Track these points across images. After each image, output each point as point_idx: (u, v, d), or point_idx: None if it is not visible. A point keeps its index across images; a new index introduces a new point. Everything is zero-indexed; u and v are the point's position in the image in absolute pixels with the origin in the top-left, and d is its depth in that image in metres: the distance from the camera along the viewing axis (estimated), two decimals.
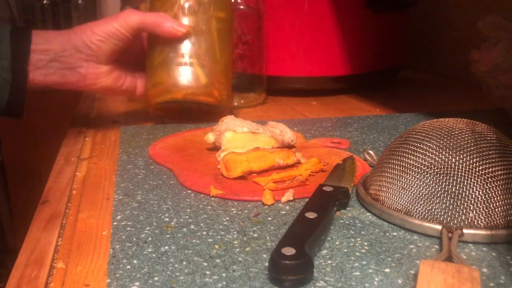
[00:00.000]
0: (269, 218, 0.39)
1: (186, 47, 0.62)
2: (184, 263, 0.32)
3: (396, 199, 0.37)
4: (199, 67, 0.62)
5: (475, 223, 0.35)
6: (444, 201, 0.35)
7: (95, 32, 0.59)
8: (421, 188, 0.36)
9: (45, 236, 0.37)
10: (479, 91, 0.73)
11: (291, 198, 0.41)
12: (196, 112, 0.67)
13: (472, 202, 0.35)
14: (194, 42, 0.62)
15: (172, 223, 0.38)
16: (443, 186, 0.35)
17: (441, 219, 0.35)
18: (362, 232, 0.36)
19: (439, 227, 0.35)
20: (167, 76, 0.62)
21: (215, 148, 0.53)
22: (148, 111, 0.66)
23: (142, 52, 0.66)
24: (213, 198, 0.42)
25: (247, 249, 0.34)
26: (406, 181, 0.37)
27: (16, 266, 0.33)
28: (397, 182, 0.38)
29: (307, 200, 0.38)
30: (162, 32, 0.61)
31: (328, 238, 0.35)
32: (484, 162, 0.35)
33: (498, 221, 0.35)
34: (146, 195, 0.43)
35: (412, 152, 0.37)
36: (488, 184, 0.35)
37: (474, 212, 0.35)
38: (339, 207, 0.40)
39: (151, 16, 0.61)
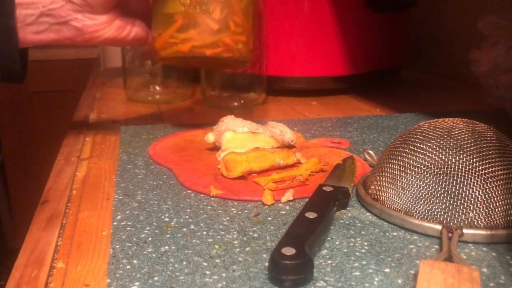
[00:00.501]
0: (269, 218, 0.39)
1: None
2: (184, 263, 0.32)
3: (396, 199, 0.37)
4: (207, 12, 0.52)
5: (475, 223, 0.35)
6: (444, 201, 0.35)
7: None
8: (421, 188, 0.36)
9: (45, 236, 0.37)
10: (479, 91, 0.73)
11: (291, 198, 0.41)
12: (214, 63, 0.61)
13: (472, 202, 0.35)
14: None
15: (172, 223, 0.38)
16: (443, 186, 0.35)
17: (441, 219, 0.35)
18: (362, 232, 0.36)
19: (439, 227, 0.35)
20: (169, 24, 0.54)
21: (215, 148, 0.53)
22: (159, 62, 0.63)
23: None
24: (213, 198, 0.42)
25: (247, 249, 0.34)
26: (406, 181, 0.37)
27: (16, 266, 0.33)
28: (397, 182, 0.38)
29: (307, 200, 0.38)
30: None
31: (328, 238, 0.35)
32: (484, 162, 0.35)
33: (498, 221, 0.35)
34: (146, 195, 0.43)
35: (412, 152, 0.37)
36: (488, 184, 0.35)
37: (474, 212, 0.35)
38: (339, 207, 0.40)
39: None
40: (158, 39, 0.55)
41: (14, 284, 0.31)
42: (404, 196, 0.37)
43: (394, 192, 0.38)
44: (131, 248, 0.34)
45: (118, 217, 0.39)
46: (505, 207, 0.35)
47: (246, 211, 0.40)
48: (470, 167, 0.35)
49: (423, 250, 0.34)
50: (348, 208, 0.40)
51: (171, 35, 0.53)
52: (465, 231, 0.34)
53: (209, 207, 0.40)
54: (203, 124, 0.66)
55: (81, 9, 0.53)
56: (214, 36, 0.53)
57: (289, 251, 0.30)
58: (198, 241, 0.35)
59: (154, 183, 0.46)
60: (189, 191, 0.44)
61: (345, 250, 0.34)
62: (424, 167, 0.36)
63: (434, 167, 0.36)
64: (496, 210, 0.35)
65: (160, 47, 0.55)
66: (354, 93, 0.87)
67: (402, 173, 0.38)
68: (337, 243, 0.35)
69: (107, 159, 0.53)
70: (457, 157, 0.36)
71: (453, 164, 0.36)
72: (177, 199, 0.42)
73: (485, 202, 0.35)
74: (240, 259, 0.33)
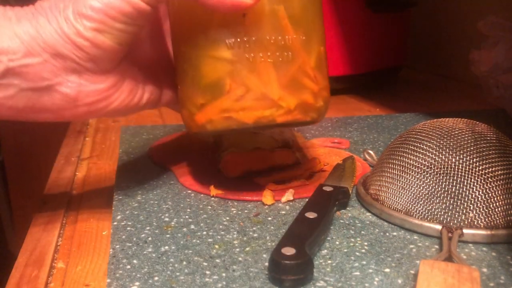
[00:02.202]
0: (269, 218, 0.39)
1: (250, 30, 0.36)
2: (184, 263, 0.32)
3: (396, 199, 0.37)
4: (277, 64, 0.36)
5: (475, 223, 0.35)
6: (444, 201, 0.35)
7: (84, 14, 0.32)
8: (421, 188, 0.36)
9: (45, 236, 0.37)
10: (479, 91, 0.73)
11: (291, 198, 0.41)
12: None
13: (472, 202, 0.35)
14: (263, 20, 0.36)
15: (172, 223, 0.38)
16: (443, 186, 0.35)
17: (441, 219, 0.35)
18: (362, 232, 0.36)
19: (439, 227, 0.35)
20: (222, 89, 0.36)
21: (215, 148, 0.53)
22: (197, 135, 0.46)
23: (157, 36, 0.42)
24: (213, 198, 0.42)
25: (247, 249, 0.34)
26: (406, 181, 0.37)
27: (16, 266, 0.33)
28: (397, 182, 0.38)
29: (307, 200, 0.38)
30: (215, 1, 0.33)
31: (328, 238, 0.35)
32: (484, 162, 0.35)
33: (498, 221, 0.35)
34: (146, 195, 0.43)
35: (412, 152, 0.37)
36: (488, 184, 0.35)
37: (474, 212, 0.35)
38: (339, 207, 0.40)
39: None
40: (199, 112, 0.38)
41: (14, 284, 0.31)
42: (404, 196, 0.37)
43: (394, 192, 0.38)
44: (131, 248, 0.34)
45: (118, 217, 0.39)
46: (505, 207, 0.35)
47: (246, 211, 0.40)
48: (470, 167, 0.35)
49: (423, 250, 0.34)
50: (348, 208, 0.40)
51: (223, 106, 0.37)
52: (465, 231, 0.34)
53: (209, 207, 0.40)
54: None
55: (77, 67, 0.34)
56: (291, 99, 0.37)
57: (289, 251, 0.30)
58: (198, 241, 0.35)
59: (154, 183, 0.46)
60: (189, 191, 0.44)
61: (345, 250, 0.34)
62: (424, 167, 0.36)
63: (434, 167, 0.36)
64: (496, 210, 0.35)
65: (206, 121, 0.38)
66: (354, 93, 0.87)
67: (402, 173, 0.38)
68: (337, 243, 0.35)
69: (107, 159, 0.53)
70: (457, 157, 0.36)
71: (453, 164, 0.36)
72: (177, 199, 0.42)
73: (485, 202, 0.35)
74: (240, 259, 0.33)
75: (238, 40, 0.35)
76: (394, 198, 0.38)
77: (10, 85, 0.32)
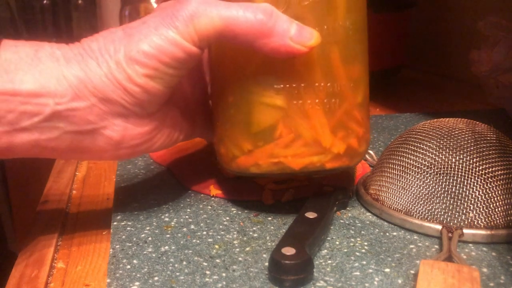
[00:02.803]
0: (269, 218, 0.38)
1: (301, 75, 0.34)
2: (184, 263, 0.32)
3: (396, 199, 0.37)
4: (326, 109, 0.35)
5: (475, 223, 0.35)
6: (444, 201, 0.35)
7: (136, 59, 0.31)
8: (421, 188, 0.36)
9: (45, 236, 0.37)
10: (479, 91, 0.73)
11: (291, 198, 0.41)
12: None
13: (472, 202, 0.35)
14: (315, 65, 0.35)
15: (172, 223, 0.38)
16: (443, 186, 0.35)
17: (441, 219, 0.35)
18: (362, 232, 0.36)
19: (439, 227, 0.35)
20: (272, 135, 0.35)
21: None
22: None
23: (195, 76, 0.40)
24: (213, 198, 0.42)
25: (247, 249, 0.34)
26: (406, 181, 0.37)
27: (16, 265, 0.33)
28: (397, 182, 0.38)
29: (307, 200, 0.38)
30: (271, 47, 0.32)
31: (328, 238, 0.35)
32: (484, 162, 0.35)
33: (498, 221, 0.35)
34: (146, 195, 0.43)
35: (412, 152, 0.37)
36: (488, 184, 0.35)
37: (474, 212, 0.35)
38: (339, 207, 0.40)
39: (245, 14, 0.32)
40: (245, 156, 0.36)
41: (14, 284, 0.31)
42: (404, 196, 0.37)
43: (394, 192, 0.38)
44: (131, 248, 0.34)
45: (118, 217, 0.39)
46: (505, 207, 0.35)
47: (246, 211, 0.40)
48: (470, 167, 0.35)
49: (423, 250, 0.34)
50: (348, 208, 0.40)
51: (272, 152, 0.35)
52: (465, 231, 0.34)
53: (209, 207, 0.40)
54: None
55: (124, 111, 0.33)
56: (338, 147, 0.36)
57: (289, 251, 0.30)
58: (198, 241, 0.35)
59: (154, 183, 0.46)
60: (189, 191, 0.44)
61: (345, 250, 0.34)
62: (424, 167, 0.36)
63: (434, 167, 0.36)
64: (496, 210, 0.35)
65: (251, 165, 0.36)
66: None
67: (402, 173, 0.38)
68: (337, 243, 0.35)
69: None
70: (457, 157, 0.36)
71: (453, 164, 0.36)
72: (177, 199, 0.42)
73: (485, 202, 0.35)
74: (240, 259, 0.33)
75: (287, 86, 0.34)
76: (394, 198, 0.38)
77: (55, 128, 0.31)
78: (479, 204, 0.35)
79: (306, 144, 0.35)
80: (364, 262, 0.32)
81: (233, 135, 0.37)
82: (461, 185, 0.35)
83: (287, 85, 0.34)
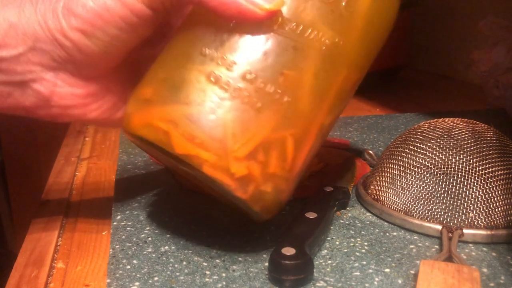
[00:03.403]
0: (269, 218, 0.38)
1: (247, 54, 0.29)
2: (184, 263, 0.32)
3: (396, 199, 0.37)
4: (251, 109, 0.29)
5: (475, 223, 0.35)
6: (444, 201, 0.35)
7: (73, 11, 0.29)
8: (421, 188, 0.36)
9: (45, 236, 0.37)
10: (479, 91, 0.73)
11: (291, 198, 0.41)
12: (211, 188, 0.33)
13: (472, 202, 0.35)
14: (270, 50, 0.29)
15: (172, 223, 0.38)
16: (443, 186, 0.35)
17: (441, 219, 0.35)
18: (362, 232, 0.36)
19: (439, 227, 0.35)
20: (177, 90, 0.29)
21: None
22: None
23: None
24: (213, 198, 0.42)
25: (247, 249, 0.34)
26: (406, 181, 0.37)
27: (16, 266, 0.33)
28: (397, 182, 0.38)
29: (307, 200, 0.38)
30: (218, 1, 0.28)
31: (328, 238, 0.35)
32: (484, 162, 0.35)
33: (498, 221, 0.35)
34: (146, 195, 0.43)
35: (412, 152, 0.37)
36: (488, 184, 0.35)
37: (474, 212, 0.35)
38: (339, 207, 0.40)
39: None
40: (139, 111, 0.31)
41: (14, 284, 0.31)
42: (404, 196, 0.37)
43: (394, 192, 0.38)
44: (131, 248, 0.34)
45: (118, 217, 0.39)
46: (505, 207, 0.35)
47: None
48: (470, 167, 0.35)
49: (423, 250, 0.34)
50: (348, 208, 0.40)
51: (169, 114, 0.29)
52: (465, 231, 0.34)
53: (209, 207, 0.40)
54: None
55: (55, 65, 0.30)
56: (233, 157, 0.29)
57: (289, 251, 0.30)
58: (198, 241, 0.35)
59: (154, 183, 0.46)
60: (189, 191, 0.44)
61: (345, 250, 0.34)
62: (424, 167, 0.36)
63: (434, 167, 0.36)
64: (496, 210, 0.35)
65: (142, 125, 0.30)
66: (354, 93, 0.87)
67: (402, 173, 0.37)
68: (337, 243, 0.35)
69: (107, 159, 0.53)
70: (457, 157, 0.36)
71: (453, 164, 0.36)
72: (177, 199, 0.42)
73: (485, 202, 0.35)
74: (240, 259, 0.33)
75: (221, 56, 0.29)
76: (394, 198, 0.38)
77: None
78: (479, 204, 0.35)
79: (206, 134, 0.29)
80: (364, 262, 0.32)
81: (139, 85, 0.32)
82: (461, 185, 0.35)
83: (222, 56, 0.29)
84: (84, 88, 0.32)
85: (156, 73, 0.31)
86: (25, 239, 0.37)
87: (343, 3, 0.30)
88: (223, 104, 0.28)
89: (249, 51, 0.29)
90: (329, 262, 0.32)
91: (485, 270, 0.31)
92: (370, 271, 0.31)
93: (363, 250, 0.34)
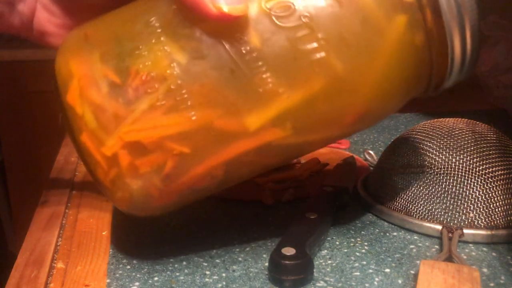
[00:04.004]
0: (269, 218, 0.38)
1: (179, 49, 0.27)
2: (184, 263, 0.32)
3: (396, 199, 0.37)
4: (161, 107, 0.27)
5: (475, 223, 0.35)
6: (444, 201, 0.35)
7: None
8: (421, 188, 0.36)
9: (45, 236, 0.36)
10: (479, 91, 0.73)
11: (291, 198, 0.41)
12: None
13: (472, 202, 0.35)
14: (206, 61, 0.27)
15: (172, 223, 0.38)
16: (443, 186, 0.35)
17: (441, 219, 0.35)
18: (362, 232, 0.36)
19: (439, 227, 0.35)
20: (107, 52, 0.28)
21: None
22: None
23: None
24: (213, 198, 0.42)
25: (247, 249, 0.34)
26: (406, 181, 0.37)
27: (16, 266, 0.33)
28: (397, 182, 0.38)
29: (307, 200, 0.38)
30: None
31: (328, 238, 0.35)
32: (484, 162, 0.35)
33: (498, 221, 0.35)
34: None
35: (412, 152, 0.37)
36: (488, 184, 0.35)
37: (474, 212, 0.35)
38: (339, 207, 0.40)
39: None
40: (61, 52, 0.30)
41: (14, 284, 0.31)
42: (404, 196, 0.37)
43: (394, 192, 0.38)
44: (131, 248, 0.34)
45: (118, 217, 0.39)
46: (505, 207, 0.35)
47: (246, 211, 0.40)
48: (470, 167, 0.35)
49: (423, 250, 0.34)
50: (348, 208, 0.40)
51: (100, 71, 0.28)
52: (465, 231, 0.34)
53: (209, 207, 0.40)
54: None
55: None
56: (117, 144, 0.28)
57: (289, 251, 0.30)
58: (198, 241, 0.35)
59: None
60: None
61: (345, 250, 0.34)
62: (424, 167, 0.36)
63: (434, 167, 0.36)
64: (496, 210, 0.35)
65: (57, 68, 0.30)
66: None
67: (402, 173, 0.37)
68: (337, 243, 0.35)
69: None
70: (458, 157, 0.36)
71: (453, 164, 0.36)
72: None
73: (485, 202, 0.35)
74: (240, 259, 0.33)
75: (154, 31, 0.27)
76: (394, 198, 0.38)
77: None
78: (479, 204, 0.35)
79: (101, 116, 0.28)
80: (364, 262, 0.32)
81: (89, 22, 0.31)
82: (461, 185, 0.35)
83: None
84: (61, 18, 0.34)
85: (105, 22, 0.30)
86: (25, 239, 0.37)
87: (310, 58, 0.26)
88: (138, 92, 0.27)
89: (185, 48, 0.27)
90: (329, 262, 0.32)
91: (485, 270, 0.31)
92: (370, 271, 0.31)
93: (363, 250, 0.34)
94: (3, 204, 1.64)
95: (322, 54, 0.26)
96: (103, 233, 0.37)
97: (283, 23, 0.26)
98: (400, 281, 0.30)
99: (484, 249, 0.34)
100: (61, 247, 0.35)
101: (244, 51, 0.26)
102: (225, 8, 0.25)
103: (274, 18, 0.26)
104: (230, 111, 0.27)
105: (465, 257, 0.33)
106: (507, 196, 0.35)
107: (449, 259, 0.31)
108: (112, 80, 0.27)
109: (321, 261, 0.32)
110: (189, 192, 0.30)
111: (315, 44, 0.26)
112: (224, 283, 0.30)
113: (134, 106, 0.27)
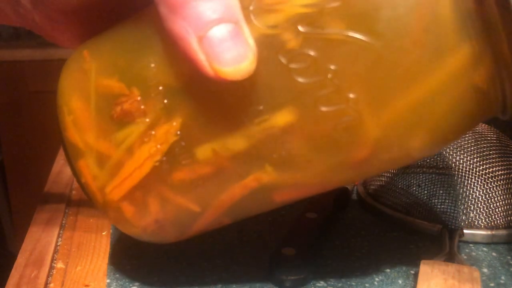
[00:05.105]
0: (269, 219, 0.38)
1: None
2: (184, 263, 0.32)
3: (396, 199, 0.37)
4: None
5: (476, 223, 0.35)
6: (444, 201, 0.35)
7: None
8: (421, 188, 0.36)
9: (44, 236, 0.36)
10: None
11: None
12: None
13: (473, 202, 0.35)
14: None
15: None
16: (443, 186, 0.35)
17: (441, 219, 0.35)
18: (362, 232, 0.36)
19: (439, 227, 0.35)
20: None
21: None
22: None
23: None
24: None
25: (247, 249, 0.34)
26: (406, 181, 0.37)
27: (16, 266, 0.33)
28: (397, 182, 0.38)
29: (307, 200, 0.38)
30: (169, 27, 0.20)
31: (328, 238, 0.35)
32: (484, 162, 0.35)
33: (498, 221, 0.35)
34: None
35: None
36: (489, 184, 0.35)
37: (475, 212, 0.35)
38: (339, 207, 0.40)
39: None
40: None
41: (14, 285, 0.31)
42: (404, 196, 0.37)
43: (394, 192, 0.38)
44: (131, 248, 0.34)
45: None
46: (505, 207, 0.35)
47: None
48: (471, 167, 0.35)
49: (423, 250, 0.34)
50: (348, 208, 0.40)
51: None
52: (465, 231, 0.34)
53: None
54: None
55: None
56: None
57: (289, 251, 0.30)
58: (198, 241, 0.35)
59: None
60: None
61: (345, 250, 0.34)
62: (424, 167, 0.36)
63: (434, 167, 0.36)
64: (497, 210, 0.35)
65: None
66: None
67: (402, 173, 0.37)
68: (337, 243, 0.35)
69: None
70: (458, 157, 0.36)
71: (453, 164, 0.36)
72: None
73: (486, 202, 0.35)
74: (240, 259, 0.33)
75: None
76: (394, 198, 0.38)
77: None
78: (479, 204, 0.35)
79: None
80: (365, 262, 0.32)
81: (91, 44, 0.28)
82: (461, 185, 0.35)
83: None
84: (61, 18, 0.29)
85: (105, 45, 0.27)
86: (24, 239, 0.37)
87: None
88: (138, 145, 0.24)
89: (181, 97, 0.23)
90: (329, 262, 0.32)
91: (485, 270, 0.31)
92: (370, 271, 0.31)
93: (363, 250, 0.34)
94: (3, 204, 1.64)
95: (351, 118, 0.21)
96: (103, 233, 0.37)
97: (302, 78, 0.21)
98: (400, 281, 0.30)
99: (484, 249, 0.34)
100: (61, 247, 0.35)
101: (255, 116, 0.22)
102: (224, 70, 0.20)
103: (292, 74, 0.21)
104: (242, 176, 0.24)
105: (465, 257, 0.33)
106: (507, 196, 0.35)
107: (449, 259, 0.31)
108: (113, 131, 0.25)
109: (321, 261, 0.32)
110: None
111: (342, 106, 0.21)
112: (224, 283, 0.30)
113: (134, 163, 0.24)
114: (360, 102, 0.21)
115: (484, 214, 0.35)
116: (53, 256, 0.34)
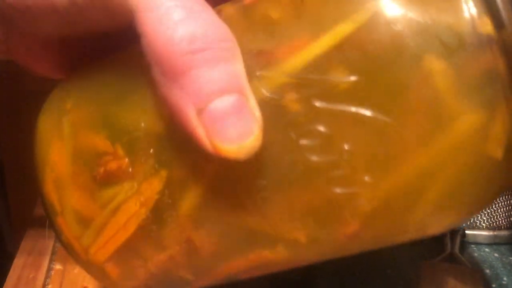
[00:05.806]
0: None
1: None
2: None
3: None
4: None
5: (478, 223, 0.34)
6: None
7: None
8: None
9: (43, 237, 0.36)
10: None
11: None
12: None
13: None
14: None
15: None
16: None
17: None
18: None
19: None
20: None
21: None
22: None
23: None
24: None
25: None
26: None
27: (14, 267, 0.33)
28: None
29: None
30: (165, 94, 0.18)
31: None
32: None
33: (500, 222, 0.34)
34: None
35: None
36: None
37: None
38: None
39: (167, 18, 0.17)
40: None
41: (12, 286, 0.31)
42: None
43: None
44: None
45: None
46: (507, 207, 0.35)
47: None
48: None
49: (425, 251, 0.34)
50: None
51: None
52: (467, 231, 0.34)
53: None
54: None
55: None
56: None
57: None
58: None
59: None
60: None
61: None
62: None
63: None
64: (499, 211, 0.34)
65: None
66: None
67: None
68: None
69: None
70: None
71: None
72: None
73: None
74: None
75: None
76: None
77: None
78: None
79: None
80: (365, 263, 0.32)
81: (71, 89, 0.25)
82: None
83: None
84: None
85: (88, 91, 0.24)
86: (23, 240, 0.36)
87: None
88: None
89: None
90: (329, 264, 0.32)
91: (487, 271, 0.31)
92: (371, 272, 0.31)
93: (364, 252, 0.34)
94: (1, 205, 1.64)
95: (363, 202, 0.19)
96: None
97: (313, 157, 0.18)
98: (401, 283, 0.30)
99: (486, 250, 0.34)
100: (59, 249, 0.35)
101: (259, 195, 0.20)
102: (226, 149, 0.17)
103: (303, 152, 0.18)
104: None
105: (467, 258, 0.33)
106: (509, 196, 0.35)
107: (451, 260, 0.31)
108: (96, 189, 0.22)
109: (321, 263, 0.32)
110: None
111: (355, 189, 0.19)
112: (223, 283, 0.30)
113: (118, 222, 0.22)
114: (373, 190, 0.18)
115: (486, 215, 0.34)
116: (51, 258, 0.34)
